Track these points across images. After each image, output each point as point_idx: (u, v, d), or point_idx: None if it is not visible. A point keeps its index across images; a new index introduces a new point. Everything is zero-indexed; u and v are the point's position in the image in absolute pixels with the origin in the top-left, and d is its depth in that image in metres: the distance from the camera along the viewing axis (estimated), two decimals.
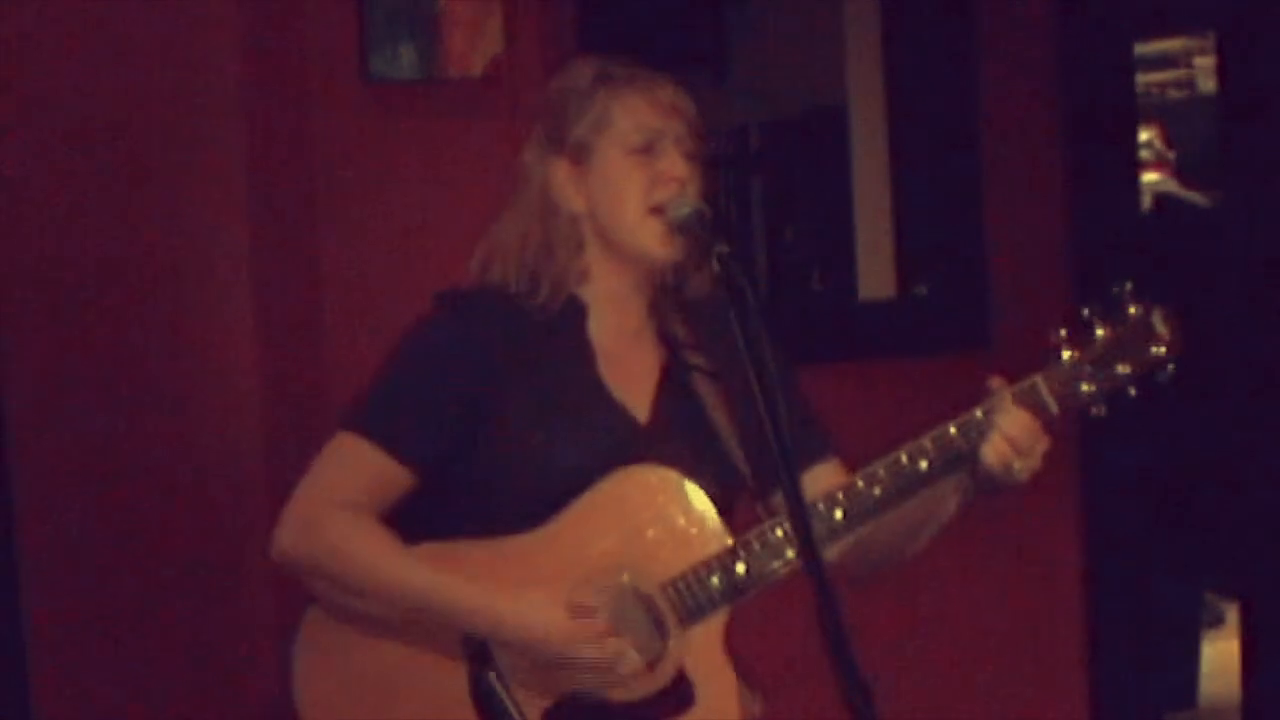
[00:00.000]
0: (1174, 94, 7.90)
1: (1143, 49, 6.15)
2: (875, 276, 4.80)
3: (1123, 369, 2.41)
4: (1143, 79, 6.58)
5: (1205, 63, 7.48)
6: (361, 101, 3.69)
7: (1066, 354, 2.42)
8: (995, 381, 2.43)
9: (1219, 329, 4.61)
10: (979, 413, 2.41)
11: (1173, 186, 6.19)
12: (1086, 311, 2.43)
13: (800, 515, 2.26)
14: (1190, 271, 4.89)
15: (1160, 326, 2.42)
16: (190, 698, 3.62)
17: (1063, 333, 2.43)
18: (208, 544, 3.62)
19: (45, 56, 3.56)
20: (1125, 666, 4.84)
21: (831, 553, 2.48)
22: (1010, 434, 2.38)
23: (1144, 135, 6.11)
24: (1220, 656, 5.84)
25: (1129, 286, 2.43)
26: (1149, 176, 6.06)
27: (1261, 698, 4.87)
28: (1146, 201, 5.81)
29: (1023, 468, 2.40)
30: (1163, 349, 2.42)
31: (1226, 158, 5.06)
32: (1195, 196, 6.14)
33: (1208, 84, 7.43)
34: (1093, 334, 2.42)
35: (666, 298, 2.56)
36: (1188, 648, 5.88)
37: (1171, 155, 6.28)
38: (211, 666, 3.62)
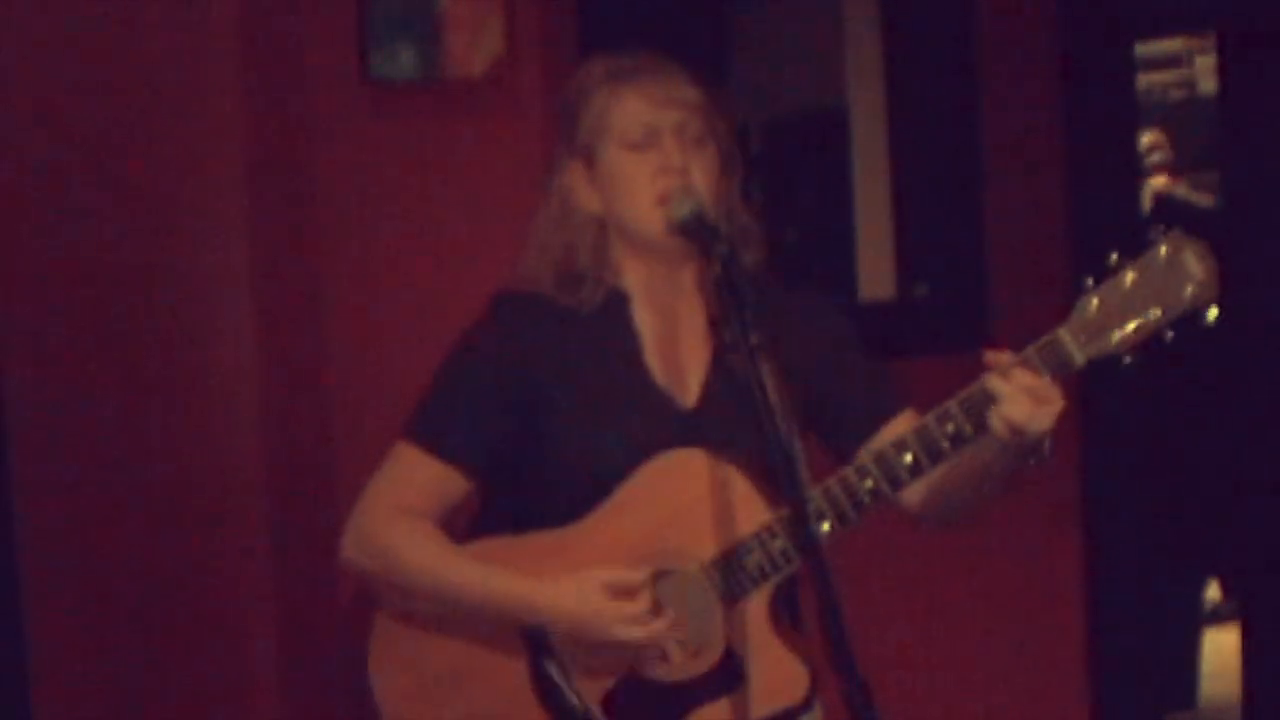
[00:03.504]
0: (1174, 94, 7.90)
1: (1143, 49, 6.15)
2: (875, 277, 4.80)
3: (1154, 312, 2.28)
4: (1143, 79, 6.58)
5: (1205, 63, 7.49)
6: (361, 101, 3.69)
7: (1093, 300, 2.30)
8: (990, 355, 2.35)
9: (1219, 328, 4.61)
10: (1007, 365, 2.33)
11: (1180, 190, 6.19)
12: (1115, 255, 2.31)
13: (800, 514, 2.27)
14: None
15: (1193, 265, 2.28)
16: (190, 699, 3.62)
17: (1089, 281, 2.32)
18: (207, 546, 3.62)
19: (44, 57, 3.55)
20: (1125, 666, 4.84)
21: (913, 499, 2.50)
22: (1023, 380, 2.30)
23: (1147, 138, 6.10)
24: (1221, 655, 5.84)
25: (1163, 229, 2.30)
26: (1157, 180, 6.06)
27: (1262, 698, 4.87)
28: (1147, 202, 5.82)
29: (1037, 429, 2.31)
30: (1196, 288, 2.28)
31: (1226, 158, 5.06)
32: (1198, 197, 6.14)
33: (1208, 84, 7.43)
34: (1121, 278, 2.30)
35: (714, 278, 2.56)
36: (1188, 647, 5.89)
37: (1170, 154, 6.27)
38: (211, 668, 3.63)
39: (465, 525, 2.61)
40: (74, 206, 3.57)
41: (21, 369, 3.54)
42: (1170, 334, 2.30)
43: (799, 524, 2.31)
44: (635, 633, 2.43)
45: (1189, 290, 2.29)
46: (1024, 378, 2.31)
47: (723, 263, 2.36)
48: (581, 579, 2.45)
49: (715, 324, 2.57)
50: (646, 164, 2.50)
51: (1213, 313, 2.30)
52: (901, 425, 2.51)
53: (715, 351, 2.56)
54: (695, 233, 2.44)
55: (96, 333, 3.58)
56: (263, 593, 3.61)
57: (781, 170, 5.25)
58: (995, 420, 2.32)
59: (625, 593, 2.44)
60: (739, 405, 2.48)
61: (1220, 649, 5.92)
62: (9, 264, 3.54)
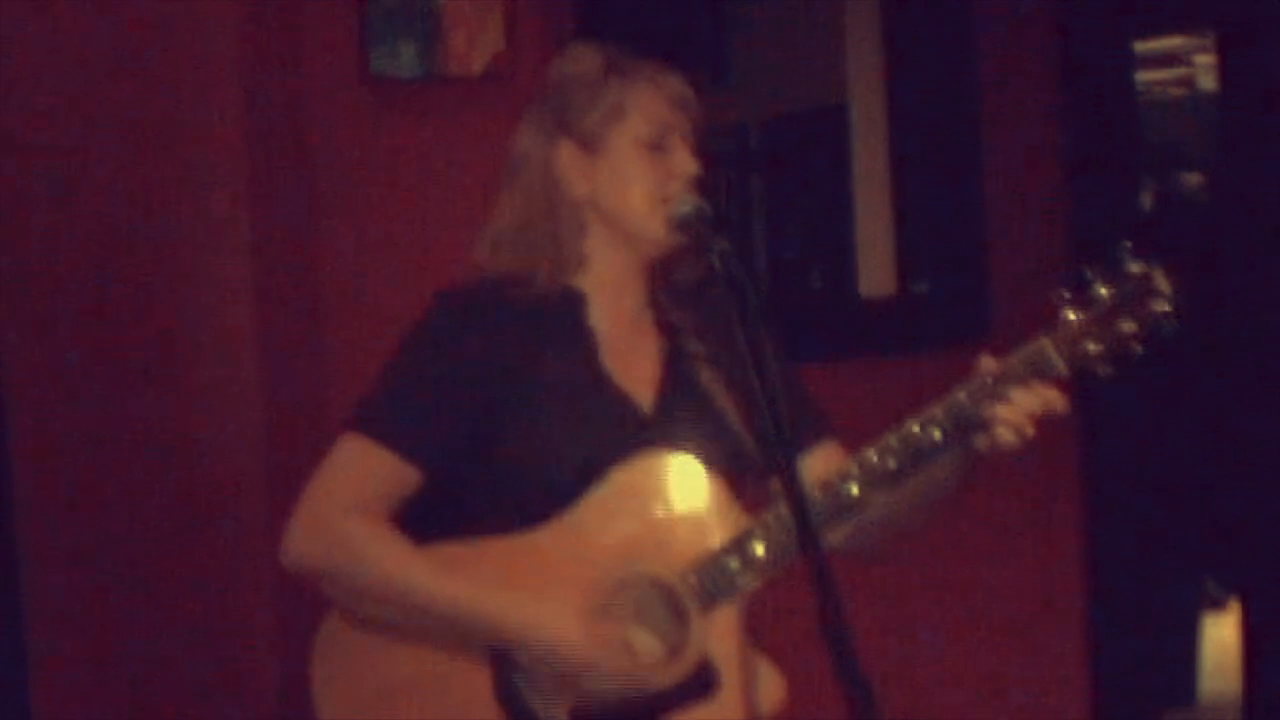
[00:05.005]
0: (1174, 92, 7.92)
1: (1142, 46, 6.16)
2: (875, 273, 4.80)
3: (1127, 327, 2.38)
4: (1143, 77, 6.59)
5: (1205, 60, 7.49)
6: (362, 99, 3.70)
7: (1071, 314, 2.39)
8: (986, 359, 2.40)
9: (1219, 326, 4.62)
10: (989, 379, 2.39)
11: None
12: (1088, 272, 2.40)
13: (800, 509, 2.26)
14: (1190, 268, 4.89)
15: (1162, 283, 2.39)
16: (190, 699, 3.62)
17: (1065, 293, 2.40)
18: (208, 546, 3.62)
19: (45, 56, 3.56)
20: (1125, 663, 4.85)
21: (840, 532, 2.49)
22: (1026, 405, 2.37)
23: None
24: (1220, 652, 5.85)
25: (1128, 245, 2.41)
26: None
27: (1262, 694, 4.88)
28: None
29: (1031, 434, 2.38)
30: (1166, 305, 2.39)
31: (1226, 156, 5.07)
32: (1199, 195, 6.16)
33: (1208, 81, 7.44)
34: (1095, 293, 2.39)
35: (662, 285, 2.56)
36: (1187, 643, 5.90)
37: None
38: (211, 668, 3.63)
39: (403, 522, 2.47)
40: (75, 205, 3.57)
41: (22, 367, 3.54)
42: (1140, 349, 2.39)
43: (801, 525, 2.28)
44: (610, 659, 2.37)
45: (1159, 307, 2.39)
46: (1025, 399, 2.36)
47: (723, 258, 2.35)
48: (561, 605, 2.38)
49: (668, 329, 2.56)
50: (659, 164, 2.47)
51: (1172, 328, 2.40)
52: (824, 455, 2.52)
53: (666, 355, 2.54)
54: (697, 229, 2.43)
55: (97, 330, 3.59)
56: (262, 590, 3.61)
57: (781, 169, 5.26)
58: (983, 440, 2.38)
59: (601, 624, 2.38)
60: (698, 409, 2.49)
61: (1219, 644, 5.93)
62: (10, 263, 3.55)
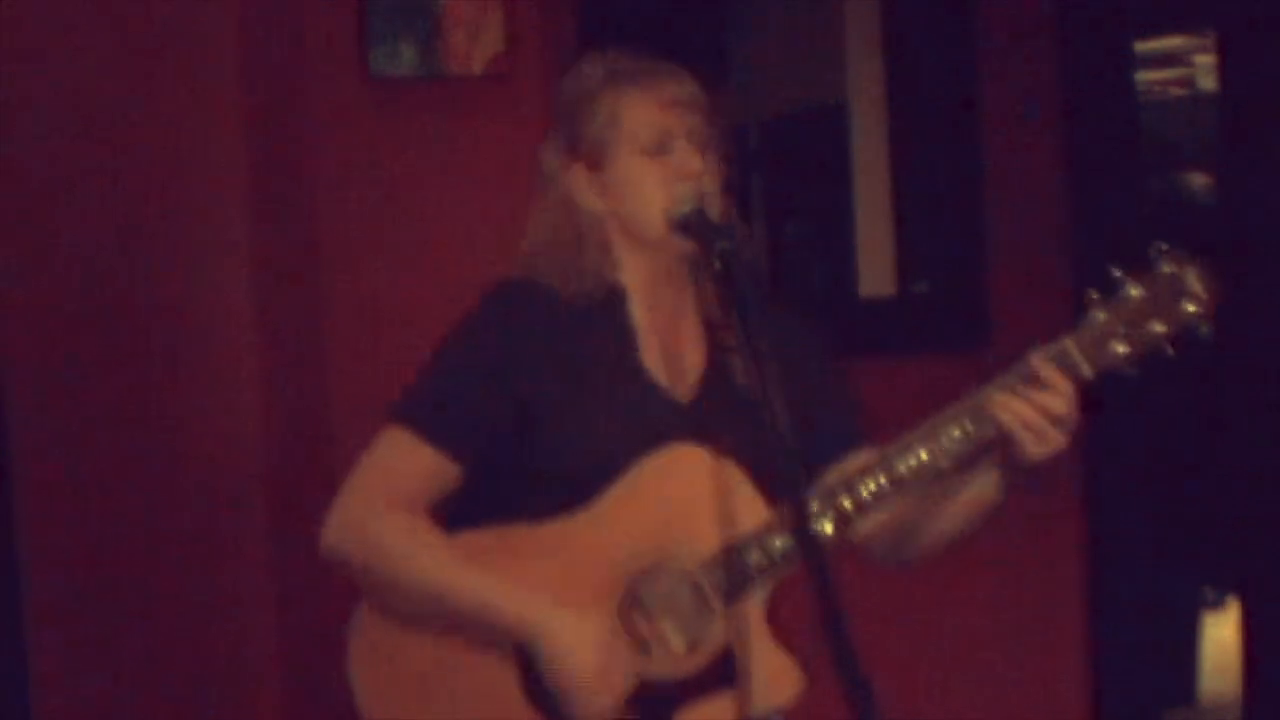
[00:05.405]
0: (1174, 91, 7.90)
1: (1142, 46, 6.15)
2: (875, 273, 4.80)
3: (1158, 327, 2.37)
4: (1143, 77, 6.59)
5: (1205, 60, 7.48)
6: (362, 98, 3.70)
7: (1100, 314, 2.38)
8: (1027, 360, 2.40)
9: (1219, 325, 4.61)
10: (1013, 378, 2.39)
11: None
12: (1119, 272, 2.39)
13: (799, 510, 2.27)
14: None
15: (1194, 284, 2.38)
16: (191, 702, 3.62)
17: (1094, 294, 2.39)
18: (209, 547, 3.62)
19: (45, 57, 3.56)
20: (1125, 662, 4.85)
21: (865, 527, 2.50)
22: (1049, 406, 2.36)
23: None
24: (1220, 652, 5.85)
25: (1163, 247, 2.39)
26: None
27: (1262, 694, 4.87)
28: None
29: (1055, 438, 2.37)
30: (1197, 306, 2.38)
31: (1226, 156, 5.07)
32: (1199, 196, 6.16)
33: (1208, 81, 7.43)
34: (1125, 293, 2.38)
35: (707, 280, 2.56)
36: (1187, 644, 5.90)
37: None
38: (212, 671, 3.63)
39: (439, 508, 2.53)
40: (75, 205, 3.58)
41: (22, 369, 3.54)
42: (1171, 350, 2.38)
43: (800, 523, 2.30)
44: (602, 701, 2.41)
45: (1190, 308, 2.38)
46: (1047, 401, 2.36)
47: (723, 259, 2.36)
48: (585, 617, 2.41)
49: (711, 324, 2.57)
50: (661, 169, 2.48)
51: (1205, 329, 2.39)
52: (862, 459, 2.51)
53: (711, 350, 2.56)
54: (697, 230, 2.44)
55: (97, 332, 3.59)
56: (264, 593, 3.61)
57: (782, 168, 5.26)
58: (1010, 443, 2.37)
59: (614, 652, 2.41)
60: (735, 403, 2.49)
61: (1219, 644, 5.92)
62: (10, 264, 3.55)
